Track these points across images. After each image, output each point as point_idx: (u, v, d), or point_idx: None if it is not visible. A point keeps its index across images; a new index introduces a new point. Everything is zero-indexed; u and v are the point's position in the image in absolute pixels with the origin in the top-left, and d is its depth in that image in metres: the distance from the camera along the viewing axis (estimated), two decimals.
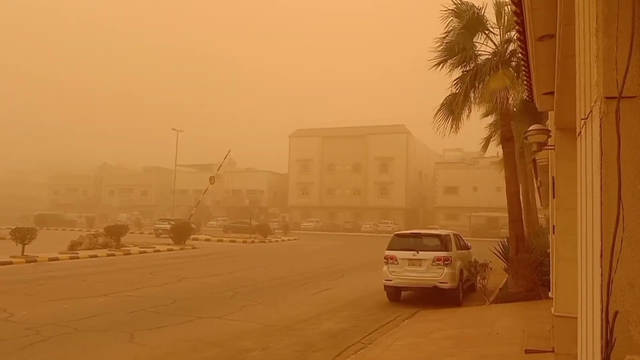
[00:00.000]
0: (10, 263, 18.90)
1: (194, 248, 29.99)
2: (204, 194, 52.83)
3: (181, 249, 28.97)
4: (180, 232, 32.41)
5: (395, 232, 13.86)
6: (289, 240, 42.82)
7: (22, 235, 20.73)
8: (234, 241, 37.70)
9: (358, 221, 70.19)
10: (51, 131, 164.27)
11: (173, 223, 36.53)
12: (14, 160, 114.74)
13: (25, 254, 20.31)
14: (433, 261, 11.87)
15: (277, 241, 40.40)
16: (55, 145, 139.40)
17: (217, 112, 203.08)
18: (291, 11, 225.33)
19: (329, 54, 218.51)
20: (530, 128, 7.97)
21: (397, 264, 12.15)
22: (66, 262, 20.72)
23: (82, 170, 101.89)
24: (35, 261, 19.79)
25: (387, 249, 12.58)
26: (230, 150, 51.01)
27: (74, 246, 24.95)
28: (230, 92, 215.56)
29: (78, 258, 21.89)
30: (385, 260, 12.41)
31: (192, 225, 38.09)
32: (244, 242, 37.04)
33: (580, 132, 2.41)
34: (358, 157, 75.34)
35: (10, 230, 22.09)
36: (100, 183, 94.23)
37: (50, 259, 20.61)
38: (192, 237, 34.97)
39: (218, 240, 38.55)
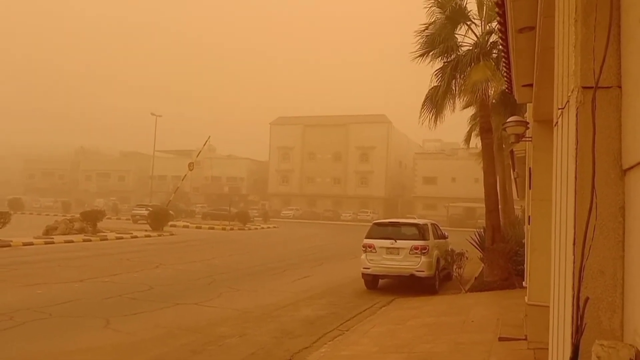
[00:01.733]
0: None
1: (172, 235, 29.78)
2: (182, 180, 52.34)
3: (159, 236, 28.73)
4: (158, 219, 32.10)
5: (374, 221, 13.94)
6: (268, 228, 42.80)
7: None
8: (213, 228, 37.53)
9: (338, 210, 70.46)
10: (26, 115, 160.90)
11: (151, 209, 36.15)
12: None
13: None
14: (410, 250, 11.98)
15: (257, 229, 40.34)
16: (31, 130, 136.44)
17: (197, 97, 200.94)
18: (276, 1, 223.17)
19: (313, 44, 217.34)
20: (509, 120, 8.05)
21: (375, 252, 12.25)
22: (41, 247, 20.38)
23: (58, 154, 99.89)
24: (9, 246, 19.42)
25: (366, 238, 12.66)
26: (210, 137, 50.63)
27: (49, 231, 24.54)
28: (212, 77, 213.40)
29: (53, 243, 21.55)
30: (364, 249, 12.50)
31: (171, 212, 37.78)
32: (223, 229, 36.90)
33: (557, 122, 2.44)
34: (339, 146, 75.45)
35: None
36: (77, 168, 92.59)
37: (25, 244, 20.25)
38: (170, 223, 34.69)
39: (196, 227, 38.34)
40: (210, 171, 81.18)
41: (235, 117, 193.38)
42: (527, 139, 7.86)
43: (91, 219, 26.18)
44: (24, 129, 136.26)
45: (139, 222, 38.22)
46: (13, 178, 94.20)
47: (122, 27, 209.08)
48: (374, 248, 12.26)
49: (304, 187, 77.40)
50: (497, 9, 5.34)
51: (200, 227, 38.38)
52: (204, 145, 51.08)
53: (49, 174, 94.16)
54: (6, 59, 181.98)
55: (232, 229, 37.04)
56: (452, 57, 14.01)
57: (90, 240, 23.52)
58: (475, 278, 13.80)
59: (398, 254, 12.09)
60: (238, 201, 67.75)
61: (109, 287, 11.62)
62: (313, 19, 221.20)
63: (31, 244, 20.63)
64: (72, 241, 22.54)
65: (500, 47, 6.86)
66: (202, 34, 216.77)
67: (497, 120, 16.60)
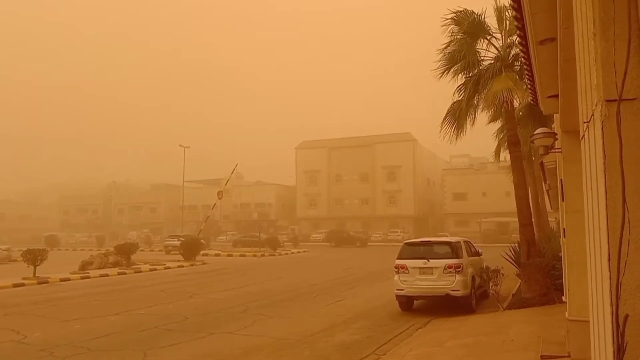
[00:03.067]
0: (23, 285, 18.99)
1: (204, 264, 30.00)
2: (212, 209, 53.03)
3: (191, 265, 28.98)
4: (190, 248, 32.45)
5: (405, 241, 13.79)
6: (298, 252, 42.74)
7: (34, 257, 20.86)
8: (244, 255, 37.67)
9: (367, 231, 69.96)
10: (59, 149, 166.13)
11: (183, 239, 36.59)
12: (25, 181, 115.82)
13: (36, 275, 20.43)
14: (444, 269, 11.79)
15: (287, 254, 40.33)
16: (65, 165, 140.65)
17: (223, 125, 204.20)
18: (295, 22, 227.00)
19: (335, 65, 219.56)
20: (537, 132, 7.94)
21: (408, 273, 12.09)
22: (77, 282, 20.79)
23: (91, 189, 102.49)
24: (47, 282, 19.88)
25: (398, 258, 12.52)
26: (237, 165, 51.21)
27: (84, 266, 25.05)
28: (236, 106, 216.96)
29: (89, 278, 21.95)
30: (396, 270, 12.35)
31: (202, 241, 38.16)
32: (254, 255, 37.02)
33: (584, 135, 2.40)
34: (365, 167, 75.35)
35: (21, 252, 22.23)
36: (110, 202, 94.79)
37: (62, 280, 20.69)
38: (202, 252, 35.00)
39: (228, 255, 38.54)
40: (238, 198, 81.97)
41: (261, 144, 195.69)
42: (556, 150, 7.73)
43: (125, 252, 26.65)
44: (58, 166, 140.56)
45: (171, 252, 38.68)
46: (49, 214, 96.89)
47: (146, 58, 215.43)
48: (407, 269, 12.11)
49: (332, 210, 77.31)
50: (516, 23, 5.34)
51: (231, 255, 38.58)
52: (232, 173, 51.72)
53: (83, 209, 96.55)
54: (39, 97, 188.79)
55: (262, 255, 37.13)
56: (474, 71, 13.97)
57: (124, 273, 23.89)
58: (513, 295, 13.46)
59: (432, 274, 11.91)
60: (267, 227, 68.08)
61: (145, 319, 11.75)
62: (335, 42, 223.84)
63: (68, 279, 21.07)
64: (107, 275, 22.93)
65: (522, 59, 6.82)
66: (228, 63, 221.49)
67: (525, 133, 16.40)
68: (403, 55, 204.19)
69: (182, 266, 28.23)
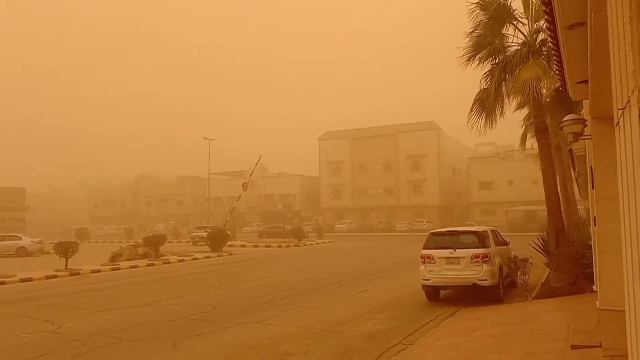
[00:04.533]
0: (55, 276, 19.51)
1: (231, 254, 30.35)
2: (237, 200, 53.49)
3: (218, 256, 29.35)
4: (217, 239, 32.85)
5: (431, 231, 13.70)
6: (323, 242, 42.88)
7: (65, 249, 21.40)
8: (269, 246, 37.98)
9: (392, 221, 69.72)
10: (87, 145, 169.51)
11: (209, 230, 37.07)
12: (55, 176, 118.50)
13: (68, 267, 20.96)
14: (471, 258, 11.69)
15: (312, 244, 40.50)
16: (92, 159, 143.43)
17: (246, 118, 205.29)
18: (313, 13, 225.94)
19: (355, 54, 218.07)
20: (566, 118, 7.77)
21: (435, 262, 12.02)
22: (108, 273, 21.27)
23: (119, 182, 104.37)
24: (79, 274, 20.39)
25: (424, 248, 12.46)
26: (261, 156, 51.61)
27: (114, 258, 25.58)
28: (257, 97, 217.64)
29: (119, 269, 22.43)
30: (422, 260, 12.29)
31: (228, 232, 38.59)
32: (279, 246, 37.27)
33: (618, 122, 2.34)
34: (389, 156, 74.95)
35: (53, 244, 22.83)
36: (137, 194, 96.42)
37: (93, 271, 21.19)
38: (228, 243, 35.39)
39: (254, 246, 38.91)
40: (263, 190, 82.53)
41: (284, 136, 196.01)
42: (586, 136, 7.56)
43: (153, 244, 27.13)
44: (87, 160, 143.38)
45: (198, 243, 39.25)
46: (79, 208, 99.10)
47: (171, 54, 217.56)
48: (433, 258, 12.05)
49: (356, 200, 77.24)
50: (544, 7, 5.22)
51: (257, 246, 38.93)
52: (256, 165, 52.11)
53: (112, 202, 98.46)
54: (65, 94, 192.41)
55: (288, 246, 37.35)
56: (500, 58, 13.73)
57: (153, 265, 24.33)
58: (542, 284, 13.28)
59: (458, 264, 11.82)
60: (292, 218, 68.46)
61: (175, 309, 11.96)
62: (350, 30, 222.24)
63: (99, 271, 21.56)
64: (136, 266, 23.39)
65: (550, 44, 6.66)
66: (249, 57, 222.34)
67: (552, 120, 16.07)
68: (427, 42, 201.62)
69: (209, 257, 28.61)
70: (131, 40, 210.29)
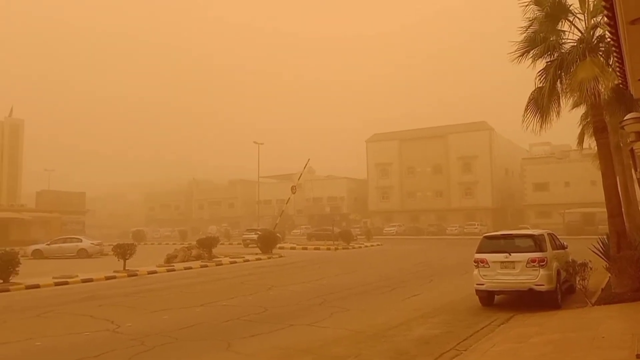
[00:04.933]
0: (114, 277, 20.30)
1: (281, 257, 30.68)
2: (286, 203, 53.98)
3: (269, 258, 29.74)
4: (267, 242, 33.29)
5: (485, 234, 13.38)
6: (372, 245, 42.67)
7: (123, 251, 22.24)
8: (318, 248, 38.14)
9: (442, 224, 68.54)
10: (143, 149, 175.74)
11: (260, 233, 37.62)
12: (112, 180, 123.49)
13: (126, 268, 21.76)
14: (527, 263, 11.35)
15: (361, 247, 40.38)
16: (148, 164, 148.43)
17: (294, 121, 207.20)
18: (358, 13, 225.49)
19: (400, 53, 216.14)
20: (627, 117, 7.47)
21: (489, 267, 11.73)
22: (164, 274, 21.94)
23: (173, 185, 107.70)
24: (136, 275, 21.13)
25: (477, 252, 12.18)
26: (309, 159, 51.86)
27: (169, 259, 26.36)
28: (306, 101, 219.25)
29: (174, 270, 23.10)
30: (476, 264, 12.03)
31: (278, 235, 39.06)
32: (328, 249, 37.37)
33: None
34: (438, 158, 73.78)
35: (112, 246, 23.79)
36: (191, 198, 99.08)
37: (149, 272, 21.91)
38: (278, 245, 35.80)
39: (303, 248, 39.17)
40: (311, 193, 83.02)
41: (331, 139, 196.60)
42: None
43: (207, 246, 27.80)
44: (143, 164, 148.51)
45: (249, 245, 39.91)
46: (136, 211, 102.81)
47: (220, 60, 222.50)
48: (487, 263, 11.76)
49: (405, 203, 76.44)
50: (603, 2, 5.02)
51: (306, 248, 39.18)
52: (304, 168, 52.43)
53: (167, 205, 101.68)
54: (121, 98, 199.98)
55: (336, 249, 37.40)
56: (555, 55, 13.28)
57: (207, 266, 24.92)
58: (602, 290, 12.73)
59: (514, 268, 11.49)
60: (340, 220, 68.51)
61: (227, 311, 12.21)
62: (399, 31, 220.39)
63: (155, 272, 22.27)
64: (190, 268, 24.02)
65: (610, 40, 6.40)
66: (296, 62, 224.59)
67: (611, 118, 15.37)
68: (476, 40, 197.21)
69: (260, 259, 29.04)
70: (182, 47, 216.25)
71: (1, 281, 17.32)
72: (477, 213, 68.74)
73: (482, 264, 11.87)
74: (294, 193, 50.88)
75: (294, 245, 41.67)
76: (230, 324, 10.57)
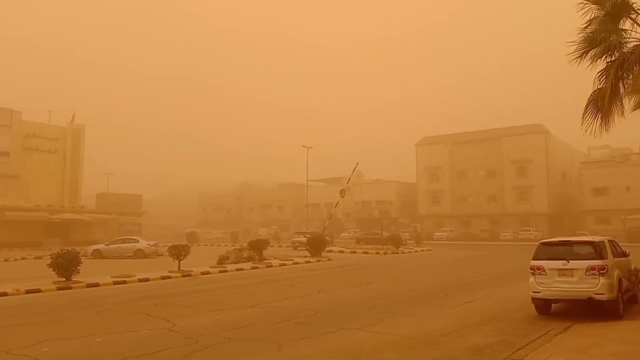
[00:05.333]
0: (169, 277, 20.91)
1: (330, 260, 30.74)
2: (335, 207, 54.01)
3: (317, 261, 29.87)
4: (316, 245, 33.43)
5: (541, 241, 12.94)
6: (422, 250, 42.07)
7: (178, 252, 22.90)
8: (367, 252, 37.95)
9: (495, 229, 66.78)
10: (196, 152, 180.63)
11: (308, 236, 37.84)
12: (167, 183, 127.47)
13: (181, 268, 22.38)
14: (586, 271, 10.90)
15: (410, 252, 39.89)
16: (200, 167, 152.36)
17: (343, 125, 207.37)
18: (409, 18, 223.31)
19: (452, 54, 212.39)
20: None
21: (545, 274, 11.35)
22: (216, 275, 22.42)
23: (225, 188, 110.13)
24: (190, 275, 21.69)
25: (533, 259, 11.81)
26: (358, 163, 51.71)
27: (222, 260, 26.94)
28: (355, 105, 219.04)
29: (226, 271, 23.56)
30: (532, 271, 11.66)
31: (327, 238, 39.14)
32: (377, 253, 37.12)
33: None
34: (492, 162, 71.95)
35: (167, 247, 24.54)
36: (242, 200, 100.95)
37: (203, 273, 22.45)
38: (326, 249, 35.88)
39: (351, 252, 39.08)
40: (360, 196, 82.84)
41: (380, 142, 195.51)
42: None
43: (257, 248, 28.25)
44: (195, 168, 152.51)
45: (298, 248, 40.21)
46: (189, 213, 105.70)
47: (272, 63, 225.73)
48: (544, 270, 11.38)
49: (456, 207, 74.97)
50: None
51: (354, 252, 39.07)
52: (353, 171, 52.31)
53: (219, 207, 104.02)
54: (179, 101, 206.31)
55: (385, 253, 37.09)
56: (616, 55, 12.72)
57: (257, 268, 25.30)
58: None
59: (572, 276, 11.07)
60: (389, 224, 67.92)
61: (278, 312, 12.35)
62: (455, 32, 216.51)
63: (208, 272, 22.80)
64: (242, 269, 24.44)
65: None
66: (341, 63, 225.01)
67: None
68: (533, 38, 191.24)
69: (309, 262, 29.21)
70: (245, 42, 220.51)
71: (64, 279, 18.18)
72: (532, 218, 66.58)
73: (538, 271, 11.50)
74: (342, 197, 50.83)
75: (343, 248, 41.64)
76: (281, 326, 10.68)
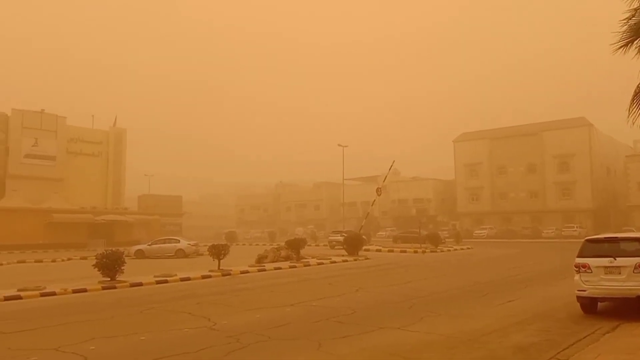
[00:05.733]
0: (210, 276, 21.26)
1: (367, 259, 30.63)
2: (372, 205, 53.80)
3: (355, 260, 29.80)
4: (353, 243, 33.37)
5: (586, 237, 12.55)
6: (461, 249, 41.42)
7: (218, 251, 23.27)
8: (405, 251, 37.62)
9: (537, 226, 65.14)
10: (236, 154, 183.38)
11: (345, 235, 37.81)
12: (205, 184, 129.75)
13: (221, 267, 22.73)
14: (635, 268, 10.50)
15: (449, 250, 39.34)
16: (238, 169, 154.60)
17: (378, 122, 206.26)
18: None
19: (493, 49, 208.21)
20: None
21: (591, 272, 10.99)
22: (255, 274, 22.67)
23: (262, 189, 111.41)
24: (230, 274, 22.00)
25: (578, 256, 11.45)
26: (394, 161, 51.34)
27: (260, 259, 27.22)
28: (390, 103, 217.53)
29: (265, 270, 23.80)
30: (577, 269, 11.31)
31: (363, 237, 39.02)
32: (415, 252, 36.77)
33: None
34: (533, 157, 70.24)
35: (207, 247, 24.97)
36: (278, 200, 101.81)
37: (242, 272, 22.72)
38: (364, 248, 35.77)
39: (389, 251, 38.84)
40: (396, 194, 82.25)
41: (416, 139, 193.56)
42: None
43: (295, 247, 28.42)
44: (232, 169, 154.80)
45: (335, 247, 40.26)
46: (228, 213, 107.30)
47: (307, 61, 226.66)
48: (589, 268, 11.02)
49: (496, 204, 73.50)
50: None
51: (392, 251, 38.81)
52: (390, 169, 51.96)
53: (256, 207, 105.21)
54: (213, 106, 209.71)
55: (424, 252, 36.70)
56: None
57: (295, 267, 25.44)
58: None
59: (619, 274, 10.68)
60: (427, 222, 67.18)
61: (317, 311, 12.38)
62: (494, 22, 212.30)
63: (247, 271, 23.07)
64: (280, 268, 24.63)
65: None
66: (376, 61, 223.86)
67: None
68: (578, 28, 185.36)
69: (346, 260, 29.18)
70: (272, 46, 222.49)
71: (108, 279, 18.72)
72: (576, 215, 64.67)
73: (583, 269, 11.16)
74: (379, 195, 50.58)
75: (380, 247, 41.42)
76: (320, 325, 10.70)
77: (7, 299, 15.26)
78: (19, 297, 15.59)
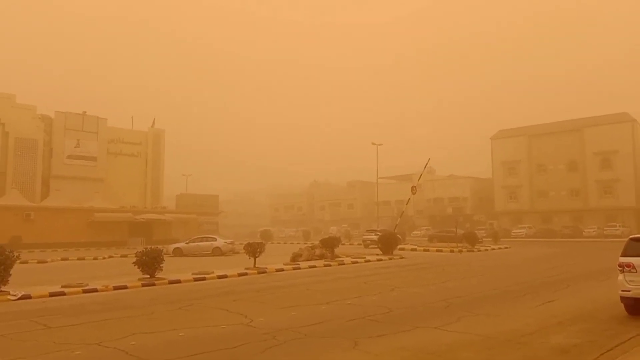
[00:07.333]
0: (246, 274, 21.52)
1: (402, 258, 30.41)
2: (407, 204, 53.37)
3: (390, 259, 29.63)
4: (388, 243, 33.19)
5: (631, 236, 12.14)
6: (499, 248, 40.65)
7: (254, 250, 23.53)
8: (441, 250, 37.19)
9: (578, 225, 63.33)
10: (271, 156, 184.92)
11: (380, 234, 37.64)
12: (241, 184, 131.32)
13: (256, 265, 23.00)
14: None
15: (487, 250, 38.67)
16: (275, 168, 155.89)
17: (413, 120, 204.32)
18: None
19: (530, 44, 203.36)
20: None
21: (636, 272, 10.63)
22: (290, 272, 22.82)
23: (296, 188, 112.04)
24: (265, 272, 22.22)
25: (622, 256, 11.09)
26: (429, 159, 50.80)
27: (295, 258, 27.39)
28: (424, 99, 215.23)
29: (299, 269, 23.93)
30: (621, 269, 10.96)
31: (398, 236, 38.75)
32: (451, 251, 36.28)
33: None
34: (573, 154, 68.34)
35: (243, 245, 25.29)
36: (312, 199, 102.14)
37: (277, 270, 22.93)
38: (398, 247, 35.52)
39: (424, 250, 38.45)
40: (432, 193, 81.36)
41: (453, 136, 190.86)
42: None
43: (329, 246, 28.47)
44: (266, 169, 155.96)
45: (369, 246, 40.12)
46: (263, 212, 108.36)
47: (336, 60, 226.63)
48: (634, 267, 10.66)
49: (535, 203, 71.83)
50: None
51: (427, 250, 38.41)
52: (425, 168, 51.41)
53: (290, 206, 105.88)
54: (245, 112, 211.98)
55: (460, 251, 36.19)
56: None
57: (329, 265, 25.49)
58: None
59: None
60: (463, 222, 66.21)
61: (352, 309, 12.37)
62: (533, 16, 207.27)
63: (282, 270, 23.26)
64: (314, 266, 24.73)
65: None
66: (412, 60, 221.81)
67: None
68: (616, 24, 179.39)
69: (381, 260, 29.05)
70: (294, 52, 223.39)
71: (148, 276, 19.19)
72: (619, 213, 62.59)
73: (627, 269, 10.80)
74: (414, 194, 50.17)
75: (415, 246, 41.05)
76: (355, 323, 10.69)
77: (52, 295, 15.83)
78: (63, 294, 16.14)
